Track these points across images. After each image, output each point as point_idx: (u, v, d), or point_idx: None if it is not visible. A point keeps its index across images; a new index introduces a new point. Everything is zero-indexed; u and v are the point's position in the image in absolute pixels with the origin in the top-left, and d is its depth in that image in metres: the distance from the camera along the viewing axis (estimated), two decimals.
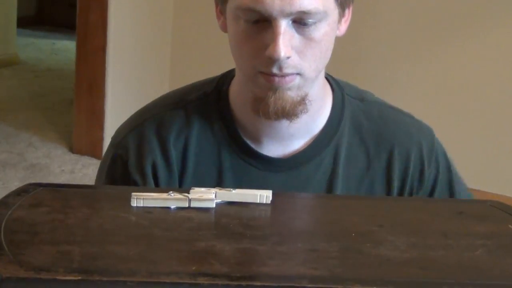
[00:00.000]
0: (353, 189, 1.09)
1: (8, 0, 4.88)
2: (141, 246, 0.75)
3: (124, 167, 1.08)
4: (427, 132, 1.14)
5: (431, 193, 1.12)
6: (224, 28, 1.04)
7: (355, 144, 1.10)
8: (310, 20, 0.96)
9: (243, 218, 0.84)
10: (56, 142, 3.49)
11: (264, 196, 0.88)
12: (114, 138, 1.12)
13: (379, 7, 2.78)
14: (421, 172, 1.11)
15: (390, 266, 0.74)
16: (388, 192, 1.09)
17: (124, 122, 1.14)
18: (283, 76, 0.97)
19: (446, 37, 2.70)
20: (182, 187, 1.08)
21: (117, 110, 3.20)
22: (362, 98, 1.13)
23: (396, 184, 1.10)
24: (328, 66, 1.16)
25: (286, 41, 0.95)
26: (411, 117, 1.15)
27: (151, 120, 1.09)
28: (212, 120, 1.09)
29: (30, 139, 3.52)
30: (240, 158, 1.08)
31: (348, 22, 1.05)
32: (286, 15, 0.94)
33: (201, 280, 0.67)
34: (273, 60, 0.95)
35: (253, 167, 1.08)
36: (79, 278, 0.67)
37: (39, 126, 3.71)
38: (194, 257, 0.73)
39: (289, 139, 1.08)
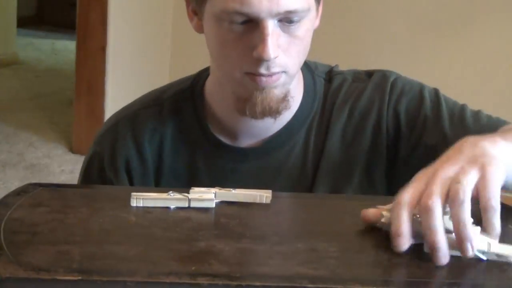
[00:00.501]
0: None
1: (8, 0, 4.88)
2: (141, 246, 0.75)
3: (100, 165, 1.10)
4: (378, 84, 1.10)
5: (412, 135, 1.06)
6: (199, 29, 1.03)
7: (322, 125, 1.10)
8: (295, 18, 0.96)
9: (242, 218, 0.84)
10: (56, 142, 3.49)
11: (264, 196, 0.88)
12: (94, 137, 1.14)
13: (380, 6, 2.78)
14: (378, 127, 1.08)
15: (390, 266, 0.74)
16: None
17: (105, 121, 1.16)
18: (270, 75, 0.98)
19: (447, 36, 2.70)
20: (159, 183, 1.09)
21: (117, 110, 3.19)
22: (330, 78, 1.12)
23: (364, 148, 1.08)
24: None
25: (274, 41, 0.95)
26: (367, 76, 1.12)
27: (127, 118, 1.11)
28: (187, 117, 1.10)
29: (30, 139, 3.52)
30: (213, 154, 1.09)
31: (320, 15, 1.05)
32: (273, 15, 0.94)
33: (201, 280, 0.67)
34: (261, 60, 0.96)
35: (225, 160, 1.08)
36: (79, 278, 0.67)
37: (39, 126, 3.71)
38: (194, 257, 0.73)
39: (266, 133, 1.09)
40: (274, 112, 1.01)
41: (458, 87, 2.68)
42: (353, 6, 2.80)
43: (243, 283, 0.67)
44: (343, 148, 1.08)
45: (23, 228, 0.78)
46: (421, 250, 0.76)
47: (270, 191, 0.89)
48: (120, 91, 3.26)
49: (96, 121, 3.25)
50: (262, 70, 0.97)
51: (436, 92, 1.10)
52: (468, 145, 0.80)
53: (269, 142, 1.09)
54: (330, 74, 1.13)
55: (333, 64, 1.16)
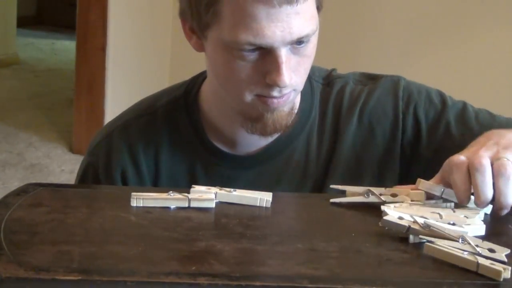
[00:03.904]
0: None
1: (8, 0, 4.88)
2: (141, 246, 0.75)
3: (95, 175, 1.08)
4: (389, 88, 1.10)
5: (428, 137, 1.07)
6: (199, 49, 1.02)
7: (324, 129, 1.09)
8: (305, 40, 0.96)
9: (243, 218, 0.84)
10: (56, 142, 3.49)
11: (264, 200, 0.88)
12: (89, 146, 1.13)
13: (378, 8, 2.78)
14: (395, 127, 1.08)
15: (390, 266, 0.74)
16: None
17: (99, 129, 1.15)
18: (281, 96, 0.98)
19: (446, 38, 2.70)
20: None
21: (117, 110, 3.18)
22: (328, 82, 1.12)
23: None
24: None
25: (288, 68, 0.95)
26: (373, 81, 1.11)
27: (121, 128, 1.09)
28: (182, 125, 1.09)
29: (30, 139, 3.52)
30: (211, 161, 1.08)
31: None
32: (286, 44, 0.94)
33: (201, 280, 0.67)
34: (275, 86, 0.96)
35: (224, 167, 1.08)
36: (79, 278, 0.67)
37: (39, 126, 3.71)
38: (194, 257, 0.73)
39: (265, 140, 1.08)
40: (283, 128, 1.02)
41: (458, 88, 2.68)
42: (352, 7, 2.80)
43: (243, 283, 0.67)
44: (355, 152, 1.08)
45: (23, 228, 0.78)
46: (421, 250, 0.76)
47: (271, 193, 0.89)
48: (120, 91, 3.26)
49: (96, 121, 3.25)
50: (275, 93, 0.97)
51: (442, 96, 1.10)
52: (496, 135, 0.91)
53: (268, 149, 1.08)
54: (329, 78, 1.12)
55: (330, 67, 1.15)
